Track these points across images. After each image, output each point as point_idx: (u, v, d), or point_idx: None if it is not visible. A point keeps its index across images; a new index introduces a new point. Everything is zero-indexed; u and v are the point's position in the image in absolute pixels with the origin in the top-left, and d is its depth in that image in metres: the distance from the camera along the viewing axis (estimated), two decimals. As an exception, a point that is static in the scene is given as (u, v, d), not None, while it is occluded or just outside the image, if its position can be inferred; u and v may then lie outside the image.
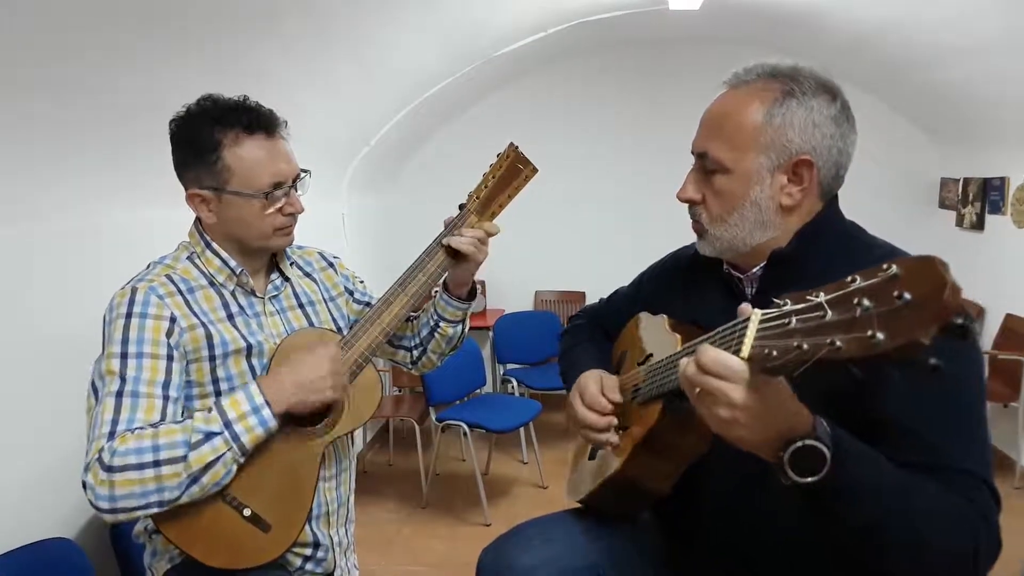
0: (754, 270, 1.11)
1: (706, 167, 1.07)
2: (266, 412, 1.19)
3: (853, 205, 1.18)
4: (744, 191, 1.04)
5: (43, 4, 1.45)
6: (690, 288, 1.22)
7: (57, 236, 1.84)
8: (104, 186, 2.00)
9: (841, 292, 0.66)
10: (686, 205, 1.13)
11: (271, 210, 1.28)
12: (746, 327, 0.76)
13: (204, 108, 1.27)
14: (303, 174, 1.33)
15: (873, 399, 0.91)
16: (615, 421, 1.16)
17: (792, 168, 1.03)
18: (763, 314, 0.75)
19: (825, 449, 0.79)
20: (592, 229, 5.04)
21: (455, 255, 1.39)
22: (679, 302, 1.20)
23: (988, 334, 4.06)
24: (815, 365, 0.66)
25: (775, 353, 0.70)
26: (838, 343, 0.63)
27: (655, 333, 1.18)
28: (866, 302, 0.62)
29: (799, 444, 0.79)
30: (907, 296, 0.59)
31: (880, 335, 0.60)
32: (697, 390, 0.80)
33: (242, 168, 1.25)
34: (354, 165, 3.93)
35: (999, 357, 3.85)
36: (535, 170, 1.41)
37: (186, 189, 1.29)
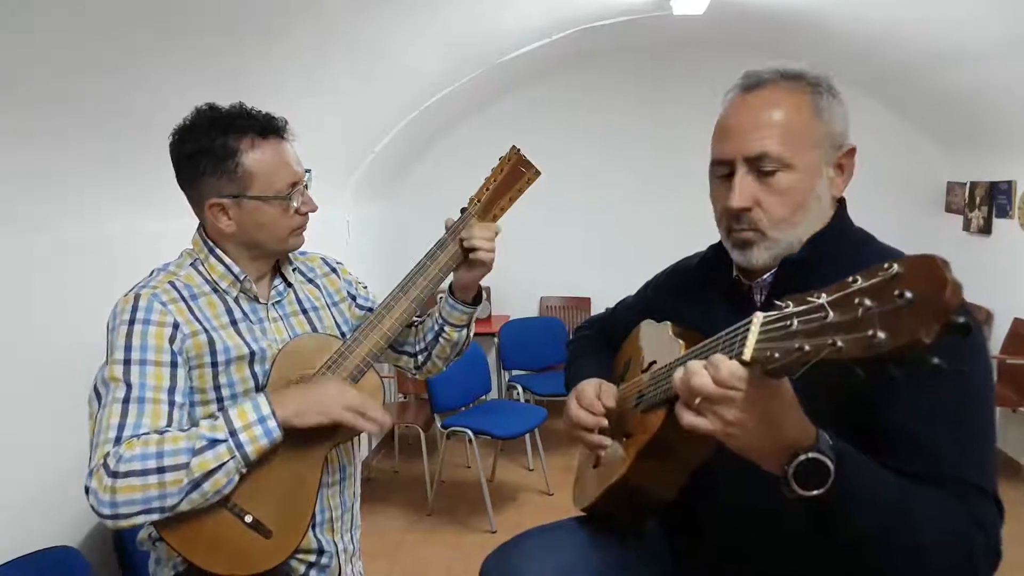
0: (764, 277, 1.09)
1: (762, 169, 1.03)
2: (271, 423, 1.19)
3: (859, 209, 1.17)
4: (809, 186, 1.04)
5: (52, 16, 1.46)
6: (697, 296, 1.21)
7: (63, 245, 1.84)
8: (110, 196, 2.01)
9: (842, 293, 0.65)
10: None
11: (291, 211, 1.29)
12: (748, 330, 0.76)
13: (211, 118, 1.26)
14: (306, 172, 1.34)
15: (878, 407, 0.90)
16: (604, 423, 1.17)
17: (840, 159, 1.06)
18: (765, 316, 0.75)
19: (829, 463, 0.78)
20: (597, 235, 5.03)
21: (465, 257, 1.38)
22: (686, 310, 1.19)
23: (996, 338, 4.04)
24: (817, 366, 0.65)
25: (777, 355, 0.70)
26: (839, 343, 0.63)
27: (659, 340, 1.17)
28: (867, 302, 0.62)
29: (803, 457, 0.78)
30: (908, 295, 0.59)
31: (881, 334, 0.60)
32: (698, 400, 0.79)
33: (262, 172, 1.26)
34: (359, 172, 3.94)
35: (1007, 362, 3.84)
36: (538, 173, 1.40)
37: (203, 201, 1.27)
